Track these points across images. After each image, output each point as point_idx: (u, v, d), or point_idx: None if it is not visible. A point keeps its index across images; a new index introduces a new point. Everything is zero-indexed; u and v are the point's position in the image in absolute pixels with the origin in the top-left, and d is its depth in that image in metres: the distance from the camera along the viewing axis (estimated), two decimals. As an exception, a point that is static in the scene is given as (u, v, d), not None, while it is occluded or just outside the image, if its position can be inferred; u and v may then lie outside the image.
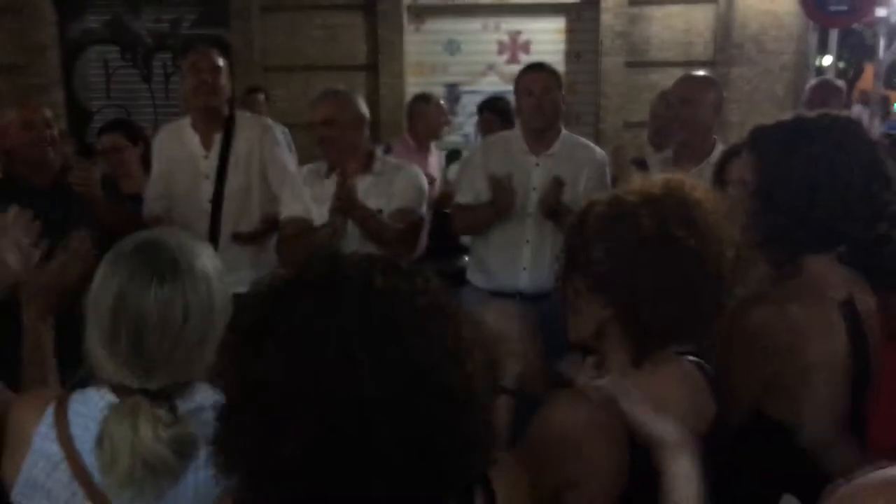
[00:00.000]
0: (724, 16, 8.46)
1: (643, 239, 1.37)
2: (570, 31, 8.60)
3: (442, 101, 5.73)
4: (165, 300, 1.32)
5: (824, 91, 4.65)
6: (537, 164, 3.59)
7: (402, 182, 3.43)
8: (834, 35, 9.06)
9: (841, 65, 14.40)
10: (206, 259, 1.41)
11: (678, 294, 1.36)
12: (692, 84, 3.40)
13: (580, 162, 3.58)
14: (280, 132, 3.99)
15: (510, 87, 3.81)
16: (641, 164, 3.59)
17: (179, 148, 3.76)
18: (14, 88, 8.43)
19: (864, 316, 1.79)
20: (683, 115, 3.33)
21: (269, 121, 4.02)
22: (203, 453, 1.35)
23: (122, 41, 8.85)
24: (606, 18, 8.43)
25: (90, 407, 1.36)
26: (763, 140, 1.80)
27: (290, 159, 3.97)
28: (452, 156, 6.28)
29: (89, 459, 1.34)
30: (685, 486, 1.23)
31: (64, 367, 1.89)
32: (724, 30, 8.49)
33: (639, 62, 8.55)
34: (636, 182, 1.49)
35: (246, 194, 3.74)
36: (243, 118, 3.88)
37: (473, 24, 8.63)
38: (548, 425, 1.40)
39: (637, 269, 1.37)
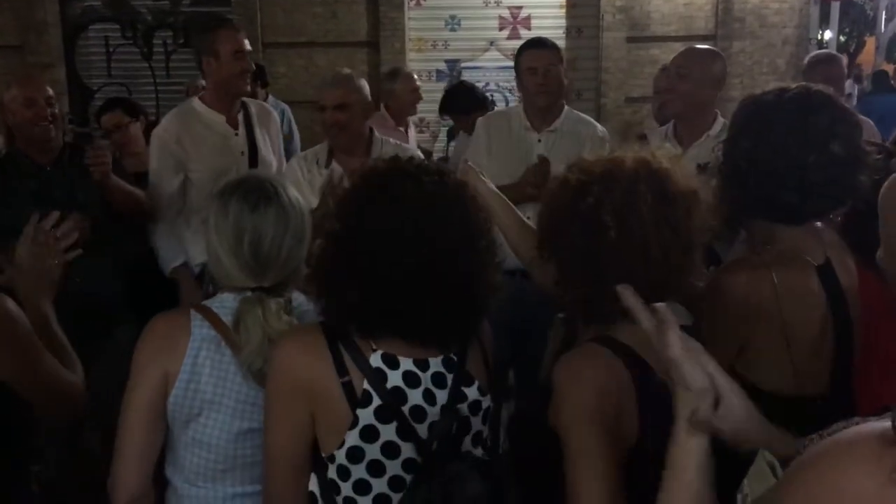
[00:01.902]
0: (725, -10, 8.46)
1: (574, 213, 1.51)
2: (571, 7, 8.58)
3: (415, 75, 5.51)
4: (271, 215, 1.75)
5: (823, 64, 4.60)
6: (539, 141, 3.60)
7: None
8: (835, 8, 9.05)
9: (842, 38, 14.36)
10: (290, 188, 1.86)
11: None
12: (692, 56, 3.37)
13: (582, 138, 3.58)
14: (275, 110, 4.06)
15: (511, 63, 3.80)
16: (641, 139, 3.58)
17: (206, 130, 3.58)
18: (16, 67, 8.44)
19: (843, 278, 1.85)
20: (681, 88, 3.29)
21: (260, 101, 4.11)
22: None
23: (123, 19, 8.80)
24: (607, -7, 8.42)
25: (225, 304, 1.77)
26: (732, 116, 1.97)
27: (280, 134, 3.99)
28: (453, 133, 6.24)
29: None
30: (695, 434, 1.20)
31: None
32: (725, 3, 8.47)
33: (639, 37, 8.54)
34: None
35: (272, 166, 3.72)
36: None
37: (474, 0, 8.60)
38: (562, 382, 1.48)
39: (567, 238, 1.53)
